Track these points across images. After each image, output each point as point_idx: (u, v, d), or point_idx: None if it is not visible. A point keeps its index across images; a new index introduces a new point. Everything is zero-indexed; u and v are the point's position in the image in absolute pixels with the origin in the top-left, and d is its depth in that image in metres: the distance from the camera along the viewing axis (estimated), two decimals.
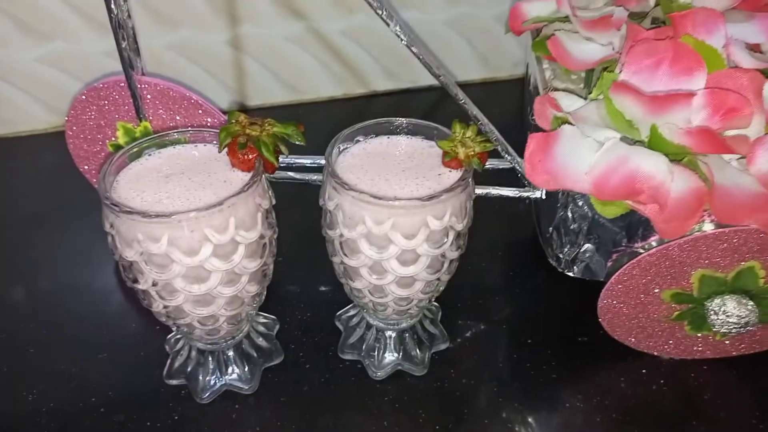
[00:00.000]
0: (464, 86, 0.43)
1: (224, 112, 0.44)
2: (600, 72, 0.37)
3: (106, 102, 0.45)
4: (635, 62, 0.33)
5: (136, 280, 0.34)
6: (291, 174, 0.47)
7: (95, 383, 0.41)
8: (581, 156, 0.32)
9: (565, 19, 0.39)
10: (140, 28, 0.55)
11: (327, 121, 0.64)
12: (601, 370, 0.43)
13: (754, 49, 0.35)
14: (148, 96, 0.44)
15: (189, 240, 0.31)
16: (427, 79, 0.68)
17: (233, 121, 0.34)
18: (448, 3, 0.65)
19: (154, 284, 0.33)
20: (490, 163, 0.48)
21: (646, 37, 0.34)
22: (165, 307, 0.34)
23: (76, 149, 0.49)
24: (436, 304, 0.45)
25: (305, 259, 0.47)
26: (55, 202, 0.55)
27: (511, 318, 0.46)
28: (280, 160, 0.46)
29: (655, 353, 0.43)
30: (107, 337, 0.44)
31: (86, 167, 0.50)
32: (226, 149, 0.34)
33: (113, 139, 0.46)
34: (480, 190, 0.46)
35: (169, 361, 0.41)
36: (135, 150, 0.35)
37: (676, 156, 0.32)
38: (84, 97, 0.45)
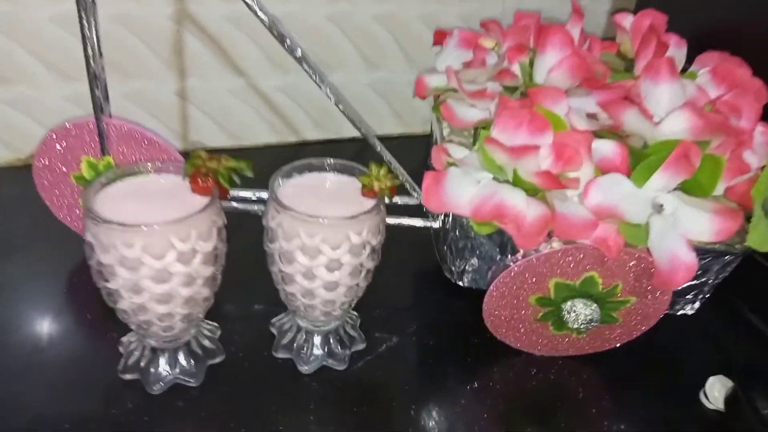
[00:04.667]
0: (382, 139, 0.54)
1: (181, 152, 0.52)
2: (479, 131, 0.49)
3: (74, 140, 0.52)
4: (503, 123, 0.45)
5: (107, 281, 0.41)
6: (234, 204, 0.56)
7: (57, 380, 0.47)
8: (464, 190, 0.43)
9: (456, 90, 0.50)
10: None
11: (263, 164, 0.73)
12: (487, 365, 0.53)
13: (592, 116, 0.48)
14: (114, 136, 0.52)
15: (158, 246, 0.39)
16: (350, 131, 0.78)
17: (196, 156, 0.42)
18: (369, 67, 0.77)
19: (125, 284, 0.41)
20: (402, 200, 0.59)
21: (512, 105, 0.46)
22: (131, 304, 0.42)
23: (41, 180, 0.55)
24: (356, 312, 0.54)
25: (244, 280, 0.56)
26: (15, 231, 0.60)
27: (417, 324, 0.55)
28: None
29: (530, 351, 0.53)
30: (61, 346, 0.50)
31: (51, 198, 0.56)
32: (188, 177, 0.42)
33: (77, 171, 0.53)
34: (393, 220, 0.56)
35: (123, 359, 0.48)
36: (111, 177, 0.43)
37: (532, 191, 0.44)
38: (54, 135, 0.53)
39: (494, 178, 0.44)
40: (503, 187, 0.43)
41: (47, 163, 0.54)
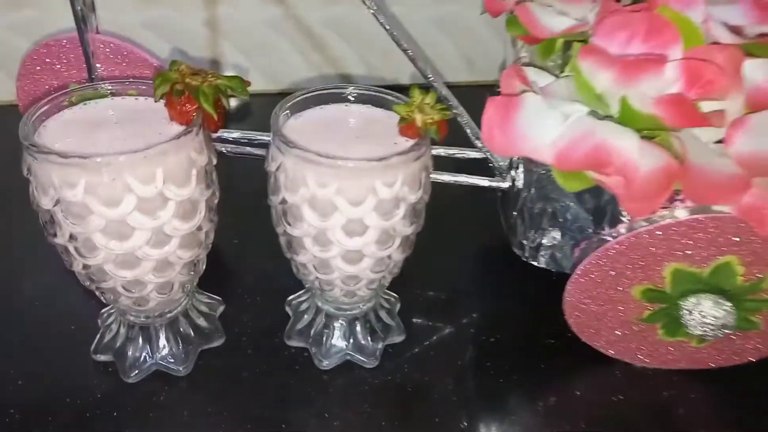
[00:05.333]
0: (449, 88, 0.41)
1: None
2: (570, 53, 0.35)
3: (57, 61, 0.43)
4: (606, 35, 0.31)
5: (54, 235, 0.31)
6: (251, 149, 0.45)
7: (17, 354, 0.38)
8: (545, 126, 0.30)
9: None
10: (115, 2, 0.54)
11: None
12: (565, 375, 0.40)
13: (737, 30, 0.33)
14: (102, 56, 0.41)
15: (109, 188, 0.28)
16: (408, 76, 0.66)
17: (174, 69, 0.31)
18: (435, 1, 0.64)
19: (72, 238, 0.30)
20: (461, 152, 0.46)
21: (622, 9, 0.32)
22: (85, 267, 0.31)
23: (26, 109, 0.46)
24: (395, 294, 0.42)
25: (264, 243, 0.44)
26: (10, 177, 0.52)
27: (474, 313, 0.43)
28: (242, 135, 0.44)
29: (626, 360, 0.39)
30: (39, 309, 0.41)
31: None
32: (163, 101, 0.31)
33: None
34: (448, 177, 0.43)
35: (98, 336, 0.38)
36: (70, 97, 0.33)
37: (648, 132, 0.30)
38: (35, 56, 0.43)
39: (590, 113, 0.31)
40: (605, 125, 0.30)
41: (30, 89, 0.44)
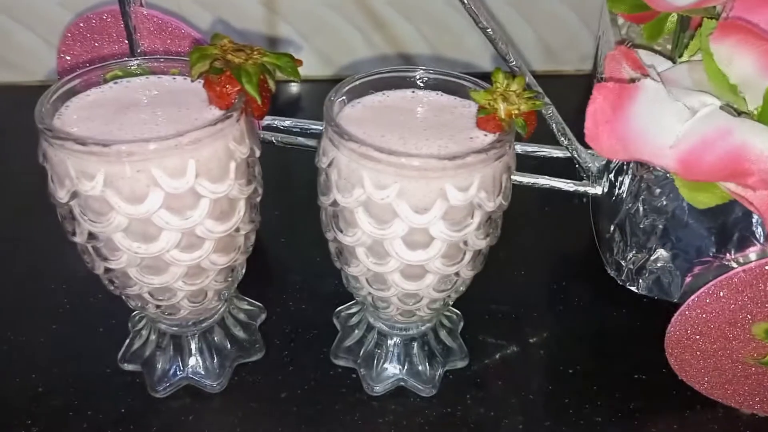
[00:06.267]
0: None
1: None
2: (696, 32, 0.29)
3: (99, 36, 0.39)
4: (748, 10, 0.25)
5: (73, 233, 0.27)
6: (303, 140, 0.40)
7: (40, 358, 0.35)
8: (666, 123, 0.24)
9: None
10: None
11: None
12: (658, 418, 0.34)
13: None
14: (144, 30, 0.37)
15: (132, 182, 0.24)
16: (482, 63, 0.60)
17: (215, 44, 0.27)
18: None
19: (91, 237, 0.26)
20: (544, 150, 0.40)
21: None
22: (107, 270, 0.27)
23: None
24: (458, 311, 0.37)
25: (314, 244, 0.40)
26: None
27: (551, 340, 0.37)
28: (294, 123, 0.40)
29: (733, 405, 0.33)
30: (66, 309, 0.38)
31: None
32: (202, 81, 0.27)
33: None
34: (527, 179, 0.37)
35: (127, 342, 0.34)
36: (100, 74, 0.29)
37: None
38: (75, 30, 0.40)
39: (724, 107, 0.24)
40: (744, 123, 0.23)
41: (70, 63, 0.41)
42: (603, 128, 0.24)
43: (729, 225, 0.27)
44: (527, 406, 0.34)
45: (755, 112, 0.24)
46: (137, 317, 0.35)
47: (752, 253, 0.26)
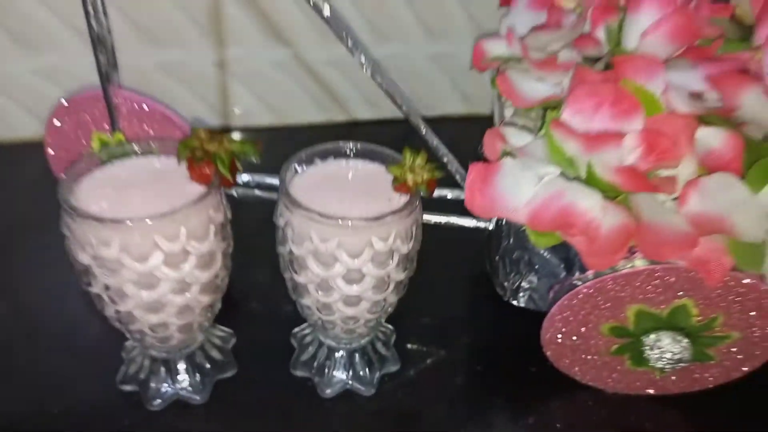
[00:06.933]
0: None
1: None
2: (547, 113, 0.39)
3: (86, 114, 0.47)
4: (577, 103, 0.35)
5: (89, 284, 0.35)
6: (258, 192, 0.49)
7: (49, 383, 0.42)
8: (520, 188, 0.34)
9: (521, 60, 0.41)
10: (129, 47, 0.58)
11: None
12: (546, 399, 0.44)
13: (697, 96, 0.37)
14: (124, 109, 0.46)
15: (139, 246, 0.33)
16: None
17: (194, 136, 0.35)
18: (430, 37, 0.68)
19: (106, 288, 0.34)
20: (453, 193, 0.50)
21: (593, 79, 0.36)
22: (116, 312, 0.36)
23: (55, 158, 0.50)
24: (390, 326, 0.46)
25: (270, 278, 0.48)
26: (35, 211, 0.56)
27: (464, 345, 0.47)
28: (249, 178, 0.48)
29: (599, 386, 0.43)
30: (69, 337, 0.45)
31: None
32: (185, 162, 0.35)
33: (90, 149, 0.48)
34: (438, 218, 0.47)
35: (123, 367, 0.42)
36: (100, 158, 0.37)
37: (610, 193, 0.34)
38: (65, 107, 0.47)
39: (562, 174, 0.35)
40: (573, 187, 0.34)
41: (59, 138, 0.48)
42: (476, 194, 0.34)
43: (571, 256, 0.37)
44: (447, 396, 0.43)
45: (584, 177, 0.35)
46: (129, 347, 0.43)
47: (590, 273, 0.37)
